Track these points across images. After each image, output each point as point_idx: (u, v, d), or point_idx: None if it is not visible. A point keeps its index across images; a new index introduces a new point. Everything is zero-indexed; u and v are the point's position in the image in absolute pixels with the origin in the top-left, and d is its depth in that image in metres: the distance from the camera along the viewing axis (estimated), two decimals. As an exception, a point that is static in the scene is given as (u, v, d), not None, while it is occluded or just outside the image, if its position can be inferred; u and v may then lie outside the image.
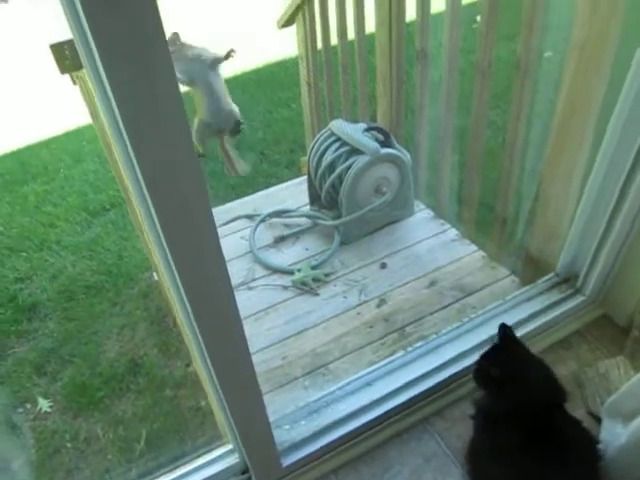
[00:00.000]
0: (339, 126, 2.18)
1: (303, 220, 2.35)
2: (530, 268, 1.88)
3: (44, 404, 2.44)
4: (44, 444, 2.35)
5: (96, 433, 2.34)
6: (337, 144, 2.18)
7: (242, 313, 1.95)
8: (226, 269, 0.87)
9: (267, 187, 2.88)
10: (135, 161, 0.71)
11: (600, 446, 1.28)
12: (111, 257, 3.12)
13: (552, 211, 1.70)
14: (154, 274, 2.64)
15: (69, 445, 2.32)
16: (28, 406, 2.47)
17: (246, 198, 2.75)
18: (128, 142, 0.69)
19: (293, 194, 2.62)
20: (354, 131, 2.15)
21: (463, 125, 2.08)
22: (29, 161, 4.11)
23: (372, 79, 2.39)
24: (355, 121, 2.29)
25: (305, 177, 2.70)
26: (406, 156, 2.16)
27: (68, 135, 4.35)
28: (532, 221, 1.79)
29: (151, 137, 0.69)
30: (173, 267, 0.83)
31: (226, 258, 2.22)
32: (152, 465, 2.20)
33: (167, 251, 0.81)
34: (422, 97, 2.10)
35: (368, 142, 2.09)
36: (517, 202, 1.89)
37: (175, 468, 1.40)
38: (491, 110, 1.91)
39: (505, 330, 1.33)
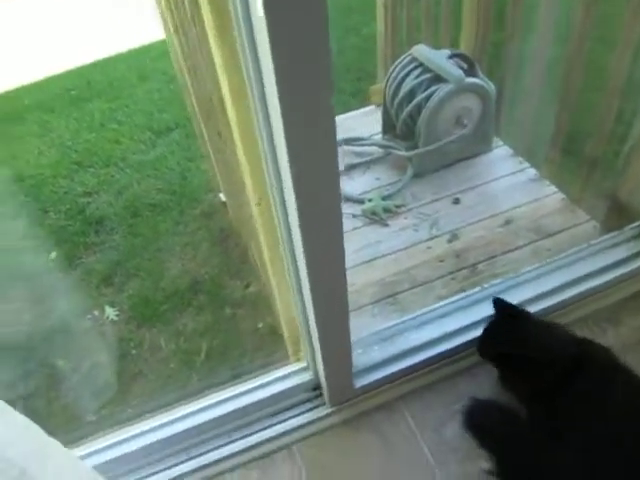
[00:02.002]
0: (422, 51, 2.08)
1: (374, 149, 2.29)
2: (615, 214, 1.79)
3: (111, 313, 2.55)
4: (111, 349, 2.46)
5: (159, 343, 2.43)
6: (418, 70, 2.08)
7: (311, 239, 1.96)
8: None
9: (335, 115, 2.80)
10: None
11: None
12: (175, 177, 3.15)
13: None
14: (220, 195, 2.66)
15: (134, 352, 2.43)
16: (96, 313, 2.58)
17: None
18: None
19: (361, 123, 2.54)
20: (438, 57, 2.04)
21: (557, 56, 1.94)
22: (94, 78, 4.12)
23: (457, 1, 2.24)
24: (437, 48, 2.17)
25: (373, 107, 2.63)
26: (490, 87, 2.05)
27: (133, 53, 4.32)
28: (625, 165, 1.68)
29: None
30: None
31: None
32: (213, 379, 2.29)
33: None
34: (513, 22, 1.95)
35: (453, 69, 1.99)
36: (610, 144, 1.77)
37: (245, 381, 1.44)
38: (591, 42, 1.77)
39: (500, 304, 1.31)
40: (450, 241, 1.94)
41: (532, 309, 1.49)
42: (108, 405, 2.22)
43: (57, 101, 3.84)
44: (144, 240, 2.86)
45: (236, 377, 1.77)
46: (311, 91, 0.72)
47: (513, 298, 1.46)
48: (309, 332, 1.20)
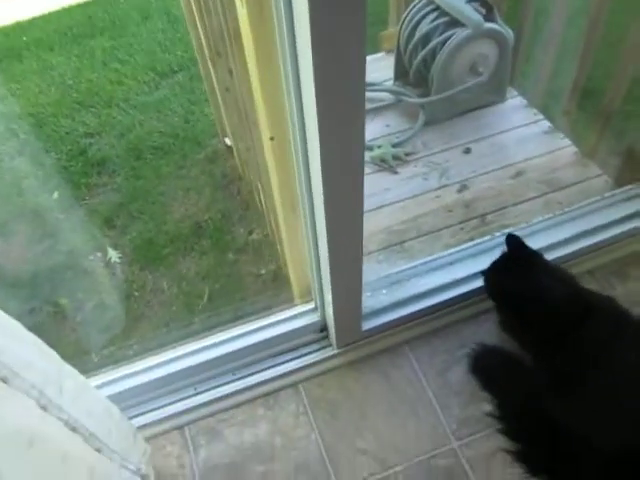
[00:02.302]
0: (440, -6, 2.00)
1: (385, 95, 2.24)
2: (629, 169, 1.76)
3: (113, 254, 2.54)
4: (114, 290, 2.47)
5: (161, 286, 2.44)
6: (435, 14, 2.01)
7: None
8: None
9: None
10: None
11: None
12: (178, 120, 3.09)
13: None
14: (226, 139, 2.62)
15: (137, 294, 2.44)
16: (99, 254, 2.57)
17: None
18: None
19: (372, 69, 2.47)
20: (456, 0, 1.96)
21: (579, 7, 1.87)
22: (96, 15, 3.99)
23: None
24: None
25: (383, 53, 2.55)
26: (509, 34, 1.99)
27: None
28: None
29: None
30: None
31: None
32: (214, 319, 2.31)
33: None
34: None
35: (471, 13, 1.92)
36: (627, 100, 1.73)
37: (252, 321, 1.45)
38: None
39: (513, 241, 1.29)
40: (460, 191, 1.92)
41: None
42: (111, 345, 2.24)
43: (57, 38, 3.72)
44: (147, 183, 2.83)
45: (237, 319, 1.78)
46: (344, 13, 0.68)
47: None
48: (320, 273, 1.20)
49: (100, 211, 2.73)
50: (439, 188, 1.94)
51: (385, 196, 1.94)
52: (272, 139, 1.11)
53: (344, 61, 0.74)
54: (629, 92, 1.71)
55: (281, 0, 0.75)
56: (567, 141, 2.02)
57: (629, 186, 1.64)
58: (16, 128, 3.12)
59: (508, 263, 1.30)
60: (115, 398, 1.30)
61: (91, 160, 2.95)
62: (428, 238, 1.82)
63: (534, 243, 1.52)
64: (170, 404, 1.34)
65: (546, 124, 2.09)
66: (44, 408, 0.72)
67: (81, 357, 2.18)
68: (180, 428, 1.33)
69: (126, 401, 1.33)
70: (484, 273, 1.35)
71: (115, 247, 2.58)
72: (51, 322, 2.36)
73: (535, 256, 1.30)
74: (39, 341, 0.77)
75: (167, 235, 2.62)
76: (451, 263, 1.49)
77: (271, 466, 1.28)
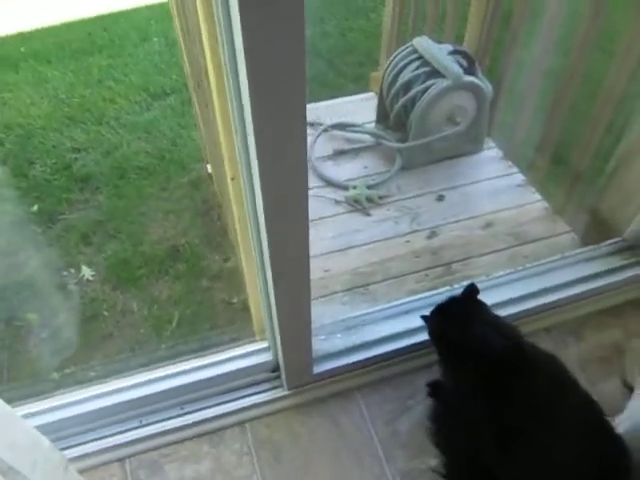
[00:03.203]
0: (424, 44, 2.05)
1: (366, 137, 2.28)
2: (595, 229, 1.80)
3: (87, 272, 2.53)
4: (83, 308, 2.45)
5: (132, 307, 2.43)
6: (417, 63, 2.06)
7: (291, 220, 1.95)
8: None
9: (331, 98, 2.78)
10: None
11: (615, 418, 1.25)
12: (166, 142, 3.12)
13: (635, 175, 1.59)
14: (208, 166, 2.64)
15: (106, 314, 2.42)
16: (72, 271, 2.57)
17: (309, 105, 2.66)
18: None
19: (357, 109, 2.52)
20: (439, 52, 2.02)
21: (556, 66, 1.93)
22: (96, 32, 4.04)
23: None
24: (440, 41, 2.14)
25: (372, 94, 2.60)
26: (488, 87, 2.04)
27: (137, 11, 4.24)
28: (609, 181, 1.69)
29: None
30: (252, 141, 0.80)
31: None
32: (181, 347, 2.30)
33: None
34: (518, 25, 1.94)
35: (452, 66, 1.97)
36: (597, 158, 1.77)
37: (208, 354, 1.45)
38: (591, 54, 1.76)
39: (472, 289, 1.29)
40: (429, 237, 1.95)
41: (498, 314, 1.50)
42: (73, 364, 2.22)
43: (55, 52, 3.76)
44: (128, 202, 2.84)
45: (203, 349, 1.77)
46: (283, 76, 0.71)
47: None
48: (271, 314, 1.20)
49: (78, 227, 2.73)
50: (409, 233, 1.96)
51: (355, 237, 1.95)
52: (233, 179, 1.13)
53: (284, 112, 0.76)
54: (598, 152, 1.75)
55: (227, 54, 0.77)
56: (538, 196, 2.06)
57: (591, 247, 1.66)
58: (3, 137, 3.14)
59: (453, 308, 1.30)
60: (60, 425, 1.31)
61: (75, 175, 2.96)
62: (393, 282, 1.83)
63: (494, 297, 1.54)
64: (113, 435, 1.33)
65: (520, 177, 2.13)
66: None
67: (37, 377, 2.16)
68: (121, 460, 1.31)
69: (71, 428, 1.32)
70: (425, 317, 1.33)
71: (89, 265, 2.58)
72: (16, 336, 2.34)
73: (481, 306, 1.30)
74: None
75: (143, 256, 2.61)
76: (407, 312, 1.50)
77: (209, 506, 1.26)
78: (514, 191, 2.09)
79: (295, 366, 1.32)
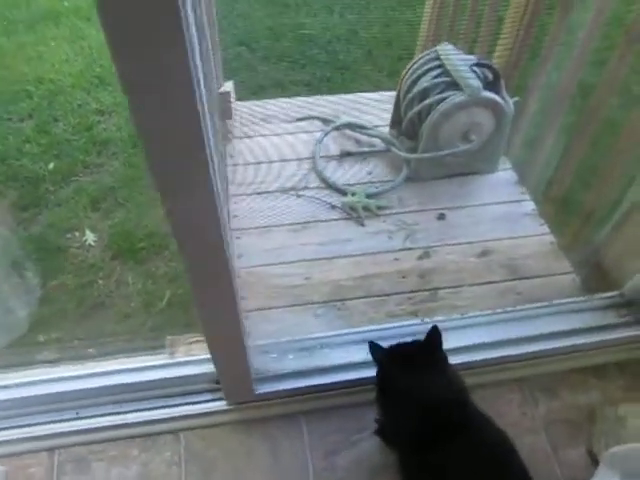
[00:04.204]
0: (447, 52, 1.92)
1: (376, 141, 2.17)
2: (597, 275, 1.66)
3: (90, 237, 2.54)
4: (80, 273, 2.47)
5: (127, 279, 2.42)
6: (437, 71, 1.93)
7: (281, 220, 1.89)
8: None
9: (360, 91, 2.69)
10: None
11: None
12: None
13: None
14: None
15: (101, 282, 2.43)
16: (76, 234, 2.58)
17: (332, 97, 2.58)
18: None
19: (380, 108, 2.40)
20: (461, 62, 1.88)
21: (582, 100, 1.77)
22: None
23: (505, 7, 2.05)
24: (470, 51, 2.01)
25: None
26: (509, 106, 1.89)
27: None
28: (615, 230, 1.54)
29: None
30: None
31: (286, 158, 2.13)
32: (167, 325, 2.28)
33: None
34: (550, 46, 1.78)
35: (471, 79, 1.83)
36: (609, 202, 1.63)
37: (159, 354, 1.42)
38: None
39: (434, 334, 1.19)
40: (420, 258, 1.84)
41: (468, 358, 1.41)
42: (59, 330, 2.24)
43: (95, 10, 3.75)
44: (140, 173, 2.82)
45: (186, 331, 1.75)
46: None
47: (452, 341, 1.38)
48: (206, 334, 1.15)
49: (89, 191, 2.73)
50: (400, 250, 1.87)
51: (344, 247, 1.87)
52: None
53: None
54: (608, 197, 1.61)
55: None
56: (546, 228, 1.92)
57: (585, 297, 1.54)
58: (32, 91, 3.16)
59: (405, 351, 1.21)
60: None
61: (95, 138, 2.96)
62: (373, 301, 1.75)
63: (463, 339, 1.45)
64: (47, 423, 1.31)
65: (530, 206, 1.99)
66: None
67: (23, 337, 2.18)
68: (50, 450, 1.30)
69: (10, 409, 1.31)
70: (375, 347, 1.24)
71: (93, 230, 2.58)
72: (12, 291, 2.37)
73: (439, 357, 1.21)
74: None
75: (145, 229, 2.60)
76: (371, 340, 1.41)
77: (128, 511, 1.24)
78: (521, 219, 1.96)
79: (233, 383, 1.27)
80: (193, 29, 0.62)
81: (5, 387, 1.32)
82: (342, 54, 3.36)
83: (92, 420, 1.32)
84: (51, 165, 2.82)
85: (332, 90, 3.04)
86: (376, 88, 2.83)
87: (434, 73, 1.93)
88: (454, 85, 1.89)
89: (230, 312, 1.00)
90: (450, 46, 1.95)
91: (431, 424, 1.09)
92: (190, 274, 0.90)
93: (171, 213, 0.77)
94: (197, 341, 1.44)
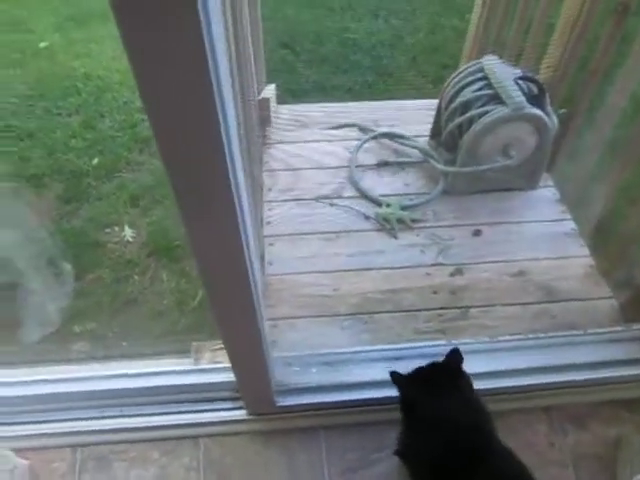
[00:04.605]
0: (491, 64, 1.87)
1: (415, 152, 2.14)
2: (636, 302, 1.59)
3: (129, 233, 2.59)
4: (116, 268, 2.52)
5: (161, 276, 2.46)
6: (481, 83, 1.88)
7: (314, 228, 1.89)
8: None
9: (403, 98, 2.67)
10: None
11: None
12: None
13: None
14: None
15: (136, 278, 2.47)
16: (115, 229, 2.63)
17: (373, 103, 2.57)
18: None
19: (422, 117, 2.37)
20: (506, 75, 1.83)
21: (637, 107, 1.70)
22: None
23: (556, 16, 1.98)
24: (517, 61, 1.95)
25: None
26: (553, 122, 1.83)
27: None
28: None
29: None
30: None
31: (322, 165, 2.12)
32: (197, 325, 2.30)
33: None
34: (602, 58, 1.71)
35: (515, 93, 1.78)
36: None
37: (184, 358, 1.43)
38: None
39: (455, 356, 1.16)
40: (452, 274, 1.81)
41: (495, 384, 1.37)
42: (93, 322, 2.29)
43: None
44: (181, 171, 2.86)
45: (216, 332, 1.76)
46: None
47: (479, 365, 1.35)
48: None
49: (130, 188, 2.78)
50: (433, 265, 1.83)
51: (375, 259, 1.85)
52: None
53: None
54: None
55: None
56: (586, 250, 1.85)
57: (620, 327, 1.47)
58: (81, 87, 3.25)
59: (428, 375, 1.18)
60: (26, 400, 1.33)
61: (138, 136, 3.02)
62: (402, 316, 1.72)
63: (496, 363, 1.41)
64: (73, 420, 1.35)
65: (571, 225, 1.92)
66: None
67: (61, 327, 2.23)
68: (74, 447, 1.33)
69: (35, 405, 1.34)
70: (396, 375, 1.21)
71: (132, 226, 2.63)
72: (48, 283, 2.43)
73: (459, 379, 1.18)
74: None
75: (182, 228, 2.63)
76: (396, 358, 1.40)
77: (145, 514, 1.25)
78: (561, 240, 1.89)
79: (253, 394, 1.27)
80: (220, 44, 0.61)
81: (34, 382, 1.35)
82: (386, 59, 3.33)
83: (116, 420, 1.34)
84: (95, 160, 2.89)
85: (374, 96, 3.02)
86: (420, 95, 2.79)
87: (477, 85, 1.89)
88: (497, 98, 1.84)
89: (253, 326, 1.00)
90: (495, 58, 1.90)
91: (452, 451, 1.07)
92: (209, 290, 0.90)
93: (191, 231, 0.77)
94: (221, 348, 1.44)
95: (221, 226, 0.77)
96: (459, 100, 1.93)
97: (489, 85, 1.86)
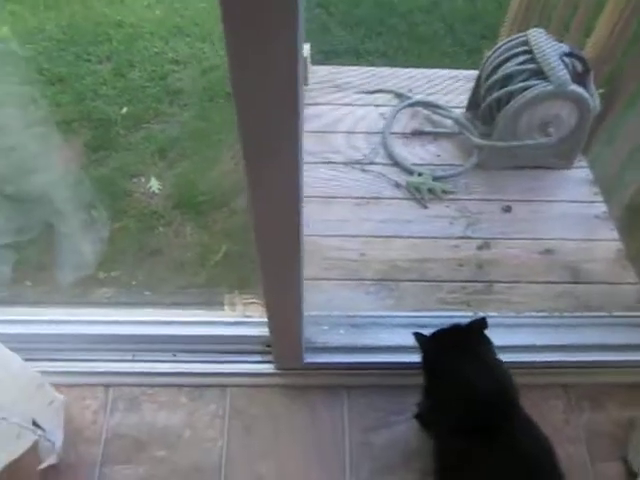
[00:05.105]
0: (537, 38, 1.84)
1: (449, 122, 2.12)
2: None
3: (155, 184, 2.61)
4: (142, 219, 2.55)
5: (185, 230, 2.49)
6: (524, 57, 1.85)
7: (345, 193, 1.89)
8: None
9: (438, 66, 2.62)
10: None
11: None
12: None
13: None
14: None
15: (161, 229, 2.51)
16: (142, 180, 2.65)
17: (407, 70, 2.53)
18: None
19: (456, 88, 2.34)
20: (551, 50, 1.80)
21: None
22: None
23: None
24: (560, 39, 1.91)
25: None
26: (595, 102, 1.81)
27: None
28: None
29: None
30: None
31: (355, 130, 2.10)
32: (219, 279, 2.34)
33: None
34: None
35: (560, 70, 1.75)
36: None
37: (216, 310, 1.47)
38: None
39: (481, 323, 1.19)
40: (480, 248, 1.82)
41: (516, 357, 1.39)
42: (118, 270, 2.33)
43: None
44: (209, 126, 2.86)
45: (239, 287, 1.80)
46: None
47: (502, 338, 1.36)
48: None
49: (158, 139, 2.79)
50: (460, 238, 1.84)
51: (404, 227, 1.86)
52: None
53: None
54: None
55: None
56: (616, 234, 1.85)
57: (645, 312, 1.49)
58: (112, 34, 3.22)
59: (452, 338, 1.21)
60: (63, 338, 1.38)
61: (168, 87, 3.00)
62: (426, 286, 1.74)
63: (519, 338, 1.43)
64: (107, 361, 1.39)
65: (602, 208, 1.92)
66: None
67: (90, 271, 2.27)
68: (107, 386, 1.38)
69: (71, 343, 1.39)
70: (420, 336, 1.25)
71: (158, 178, 2.65)
72: (84, 227, 2.46)
73: (484, 344, 1.20)
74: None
75: (208, 183, 2.65)
76: (420, 326, 1.41)
77: (171, 455, 1.31)
78: (591, 222, 1.89)
79: (284, 349, 1.31)
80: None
81: (70, 322, 1.39)
82: (422, 26, 3.26)
83: (147, 364, 1.39)
84: (124, 110, 2.89)
85: (408, 62, 2.97)
86: (454, 65, 2.74)
87: (521, 59, 1.86)
88: (540, 74, 1.81)
89: (295, 281, 1.02)
90: (542, 31, 1.86)
91: (476, 414, 1.10)
92: (260, 239, 0.92)
93: (252, 175, 0.78)
94: (253, 303, 1.48)
95: (284, 176, 0.78)
96: (500, 73, 1.90)
97: (533, 59, 1.83)
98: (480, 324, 1.21)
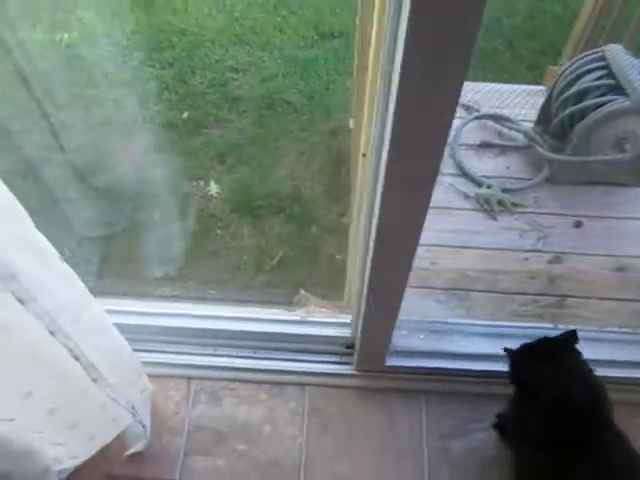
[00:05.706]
0: (616, 53, 1.83)
1: (519, 136, 2.12)
2: None
3: (214, 188, 2.66)
4: (201, 221, 2.60)
5: (242, 233, 2.54)
6: (601, 72, 1.85)
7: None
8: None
9: (498, 81, 2.62)
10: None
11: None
12: (319, 84, 3.12)
13: None
14: (351, 120, 2.61)
15: (218, 232, 2.55)
16: (201, 184, 2.71)
17: (471, 84, 2.53)
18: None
19: (521, 103, 2.34)
20: (630, 66, 1.79)
21: None
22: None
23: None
24: (637, 54, 1.90)
25: (542, 88, 2.40)
26: (674, 120, 1.79)
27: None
28: None
29: None
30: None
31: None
32: (272, 286, 2.37)
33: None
34: None
35: (639, 85, 1.74)
36: None
37: (293, 309, 1.48)
38: None
39: (571, 337, 1.18)
40: (551, 262, 1.81)
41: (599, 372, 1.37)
42: (179, 269, 2.37)
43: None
44: (267, 133, 2.91)
45: (297, 290, 1.82)
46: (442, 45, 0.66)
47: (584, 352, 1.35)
48: (361, 299, 1.19)
49: (217, 144, 2.85)
50: (531, 251, 1.83)
51: (473, 238, 1.86)
52: (364, 156, 1.12)
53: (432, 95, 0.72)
54: None
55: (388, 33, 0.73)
56: (692, 254, 1.82)
57: None
58: (175, 41, 3.31)
59: (544, 351, 1.20)
60: (150, 329, 1.41)
61: (228, 94, 3.07)
62: (497, 297, 1.74)
63: (600, 352, 1.41)
64: (190, 354, 1.42)
65: (677, 227, 1.89)
66: (52, 334, 0.79)
67: (146, 272, 2.33)
68: (189, 379, 1.40)
69: (158, 335, 1.42)
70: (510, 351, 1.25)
71: (217, 182, 2.70)
72: (135, 231, 2.52)
73: (576, 357, 1.19)
74: (70, 272, 0.84)
75: (266, 188, 2.70)
76: (499, 335, 1.41)
77: (251, 449, 1.32)
78: (665, 240, 1.86)
79: (369, 351, 1.31)
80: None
81: (157, 315, 1.43)
82: (482, 41, 3.27)
83: (228, 359, 1.41)
84: (185, 114, 2.96)
85: (468, 77, 2.98)
86: (514, 80, 2.74)
87: (598, 74, 1.86)
88: (617, 89, 1.81)
89: (401, 286, 1.04)
90: (620, 47, 1.86)
91: (570, 428, 1.09)
92: (382, 244, 0.94)
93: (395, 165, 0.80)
94: (326, 306, 1.49)
95: (420, 185, 0.81)
96: (576, 88, 1.90)
97: (610, 75, 1.83)
98: (571, 337, 1.20)
